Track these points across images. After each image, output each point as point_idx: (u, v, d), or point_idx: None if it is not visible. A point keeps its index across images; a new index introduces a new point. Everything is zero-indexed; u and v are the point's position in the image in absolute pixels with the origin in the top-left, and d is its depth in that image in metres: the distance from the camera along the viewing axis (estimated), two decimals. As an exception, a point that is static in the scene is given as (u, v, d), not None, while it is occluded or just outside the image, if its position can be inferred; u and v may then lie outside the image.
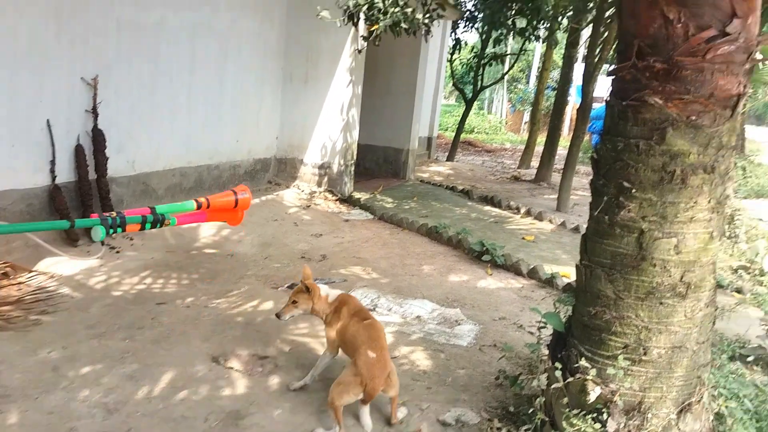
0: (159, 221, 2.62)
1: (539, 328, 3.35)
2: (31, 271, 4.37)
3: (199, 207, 2.68)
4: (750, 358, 3.80)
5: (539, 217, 7.86)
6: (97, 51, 5.25)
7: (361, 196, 8.42)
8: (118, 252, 5.12)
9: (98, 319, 3.88)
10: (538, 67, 29.59)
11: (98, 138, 5.27)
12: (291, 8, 8.02)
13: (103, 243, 2.41)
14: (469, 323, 4.40)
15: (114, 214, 2.52)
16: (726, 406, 2.79)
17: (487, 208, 8.44)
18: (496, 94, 29.67)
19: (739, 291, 5.59)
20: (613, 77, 2.76)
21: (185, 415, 2.90)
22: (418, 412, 3.09)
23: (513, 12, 9.38)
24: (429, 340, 4.05)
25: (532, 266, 5.56)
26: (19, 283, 4.15)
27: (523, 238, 6.79)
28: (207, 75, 6.80)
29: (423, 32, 6.49)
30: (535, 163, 14.02)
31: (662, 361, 2.58)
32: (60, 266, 4.60)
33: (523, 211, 8.16)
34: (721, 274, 5.89)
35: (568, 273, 5.48)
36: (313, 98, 8.22)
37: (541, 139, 14.79)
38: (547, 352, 3.12)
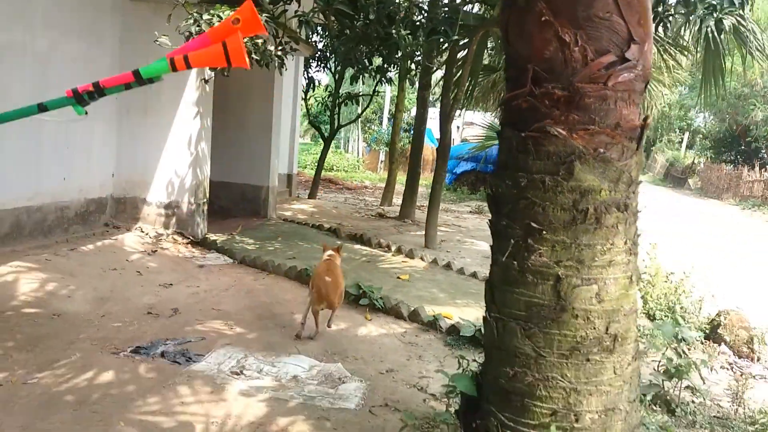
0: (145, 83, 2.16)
1: (447, 394, 2.89)
2: None
3: (174, 68, 2.10)
4: (648, 397, 3.67)
5: (410, 255, 7.59)
6: None
7: (218, 237, 7.55)
8: None
9: None
10: (390, 110, 30.91)
11: None
12: (125, 32, 7.11)
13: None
14: (354, 380, 3.83)
15: (90, 87, 2.22)
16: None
17: (357, 246, 8.00)
18: (351, 133, 30.08)
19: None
20: (505, 106, 2.48)
21: None
22: None
23: (368, 50, 9.40)
24: (311, 405, 3.41)
25: (413, 308, 5.16)
26: None
27: (398, 278, 6.43)
28: (21, 103, 5.55)
29: (277, 65, 6.11)
30: (396, 200, 14.08)
31: (596, 427, 2.24)
32: None
33: (393, 249, 7.84)
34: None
35: (450, 314, 5.16)
36: (156, 131, 7.32)
37: (401, 177, 15.01)
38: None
